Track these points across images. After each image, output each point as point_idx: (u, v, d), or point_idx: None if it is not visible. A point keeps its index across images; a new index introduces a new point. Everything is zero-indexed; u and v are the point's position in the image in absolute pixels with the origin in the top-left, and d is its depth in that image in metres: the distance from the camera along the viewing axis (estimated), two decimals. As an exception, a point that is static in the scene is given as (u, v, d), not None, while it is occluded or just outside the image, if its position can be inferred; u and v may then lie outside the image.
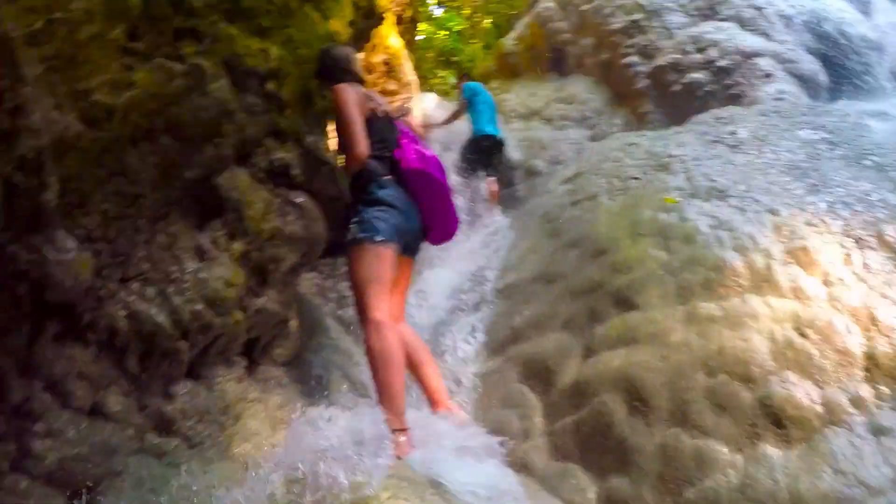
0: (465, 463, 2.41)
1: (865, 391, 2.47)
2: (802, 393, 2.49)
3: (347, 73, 3.06)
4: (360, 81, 3.11)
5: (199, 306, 2.43)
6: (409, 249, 2.95)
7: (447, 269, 4.47)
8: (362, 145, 2.85)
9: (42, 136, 1.88)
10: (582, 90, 7.42)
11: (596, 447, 2.69)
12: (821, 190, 3.28)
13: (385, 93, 6.17)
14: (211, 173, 2.52)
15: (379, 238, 2.72)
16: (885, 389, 2.47)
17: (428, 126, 6.41)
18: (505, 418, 2.96)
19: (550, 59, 8.25)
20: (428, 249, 3.58)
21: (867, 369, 2.53)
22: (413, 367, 2.81)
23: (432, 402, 2.77)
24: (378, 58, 6.62)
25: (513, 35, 8.96)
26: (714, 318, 2.77)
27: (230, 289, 2.54)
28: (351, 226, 2.77)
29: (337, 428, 2.40)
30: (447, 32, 12.37)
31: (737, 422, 2.50)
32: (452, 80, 10.30)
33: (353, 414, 2.57)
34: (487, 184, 6.07)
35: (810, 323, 2.64)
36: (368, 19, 3.82)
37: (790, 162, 3.66)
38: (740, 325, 2.71)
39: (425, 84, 9.00)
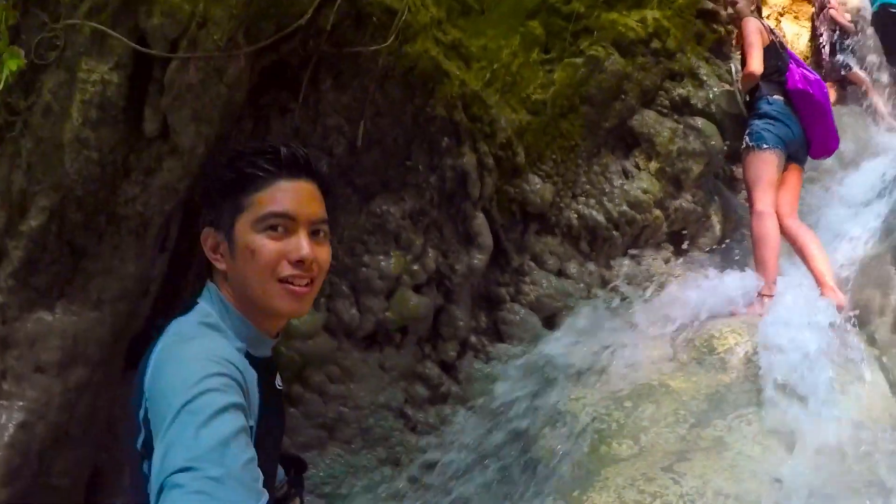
0: (810, 326, 3.30)
1: None
2: None
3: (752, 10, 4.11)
4: (760, 15, 4.10)
5: (625, 208, 4.01)
6: (794, 158, 3.86)
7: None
8: (756, 64, 3.89)
9: (508, 128, 3.84)
10: None
11: None
12: None
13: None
14: (624, 120, 4.05)
15: (765, 146, 3.78)
16: None
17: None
18: (871, 297, 3.41)
19: None
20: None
21: None
22: (803, 256, 3.69)
23: (819, 285, 3.58)
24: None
25: None
26: None
27: (647, 195, 4.01)
28: (745, 136, 3.88)
29: (724, 285, 3.69)
30: None
31: None
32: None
33: (741, 277, 3.74)
34: None
35: None
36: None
37: None
38: None
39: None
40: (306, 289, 1.49)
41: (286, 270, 1.45)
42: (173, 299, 2.80)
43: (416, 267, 3.46)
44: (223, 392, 1.26)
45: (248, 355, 1.48)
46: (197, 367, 1.29)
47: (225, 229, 1.48)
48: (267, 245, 1.43)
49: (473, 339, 3.76)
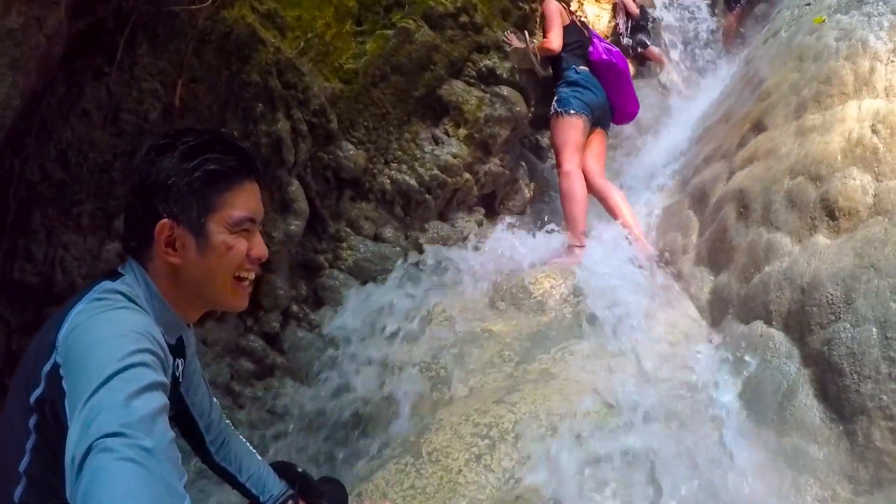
0: (619, 269, 3.83)
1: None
2: (858, 185, 3.03)
3: None
4: None
5: (436, 172, 4.38)
6: (599, 123, 4.46)
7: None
8: (554, 39, 4.41)
9: (321, 96, 4.05)
10: None
11: (717, 250, 3.66)
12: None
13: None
14: (434, 89, 4.41)
15: (572, 111, 4.30)
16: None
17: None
18: (674, 239, 4.06)
19: None
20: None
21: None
22: (612, 212, 4.26)
23: (627, 236, 4.15)
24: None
25: None
26: (814, 128, 3.36)
27: (456, 159, 4.41)
28: (553, 103, 4.38)
29: (534, 241, 4.17)
30: None
31: (801, 216, 3.20)
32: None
33: (550, 234, 4.25)
34: None
35: (885, 118, 3.06)
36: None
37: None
38: (830, 130, 3.26)
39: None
40: (251, 284, 1.72)
41: (246, 265, 1.66)
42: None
43: (232, 235, 3.60)
44: (153, 369, 1.35)
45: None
46: (130, 338, 1.37)
47: (192, 226, 1.58)
48: (240, 244, 1.62)
49: (295, 307, 3.97)
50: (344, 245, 4.18)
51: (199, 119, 3.42)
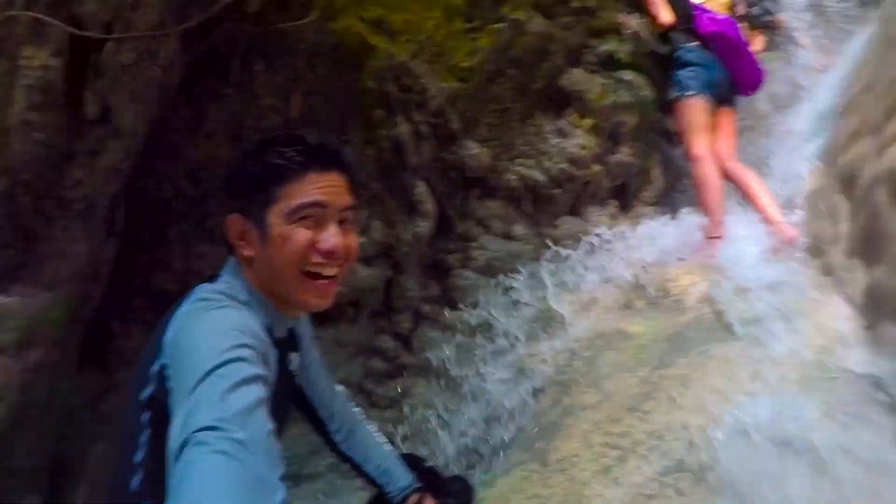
0: (763, 262, 3.59)
1: None
2: None
3: None
4: None
5: (564, 165, 4.29)
6: (723, 100, 4.22)
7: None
8: (664, 15, 4.24)
9: (439, 96, 4.10)
10: None
11: (870, 240, 3.29)
12: None
13: None
14: (553, 79, 4.34)
15: (691, 92, 4.09)
16: None
17: None
18: (821, 227, 3.71)
19: None
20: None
21: None
22: (748, 196, 4.01)
23: (768, 223, 3.89)
24: None
25: None
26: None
27: (584, 151, 4.30)
28: (670, 88, 4.20)
29: (671, 233, 3.99)
30: None
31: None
32: None
33: (687, 225, 4.06)
34: None
35: None
36: None
37: None
38: None
39: None
40: (331, 282, 1.65)
41: (315, 259, 1.58)
42: (122, 287, 3.03)
43: (362, 240, 3.69)
44: (251, 363, 1.37)
45: (269, 333, 1.63)
46: (228, 334, 1.41)
47: (255, 218, 1.61)
48: (299, 234, 1.56)
49: (426, 308, 4.01)
50: (474, 244, 4.18)
51: (319, 129, 3.55)
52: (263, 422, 1.28)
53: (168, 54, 2.66)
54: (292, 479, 3.48)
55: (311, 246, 1.58)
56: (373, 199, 3.79)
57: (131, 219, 2.99)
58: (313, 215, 1.58)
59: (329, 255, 1.59)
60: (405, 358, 3.86)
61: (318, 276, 1.61)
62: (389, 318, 3.85)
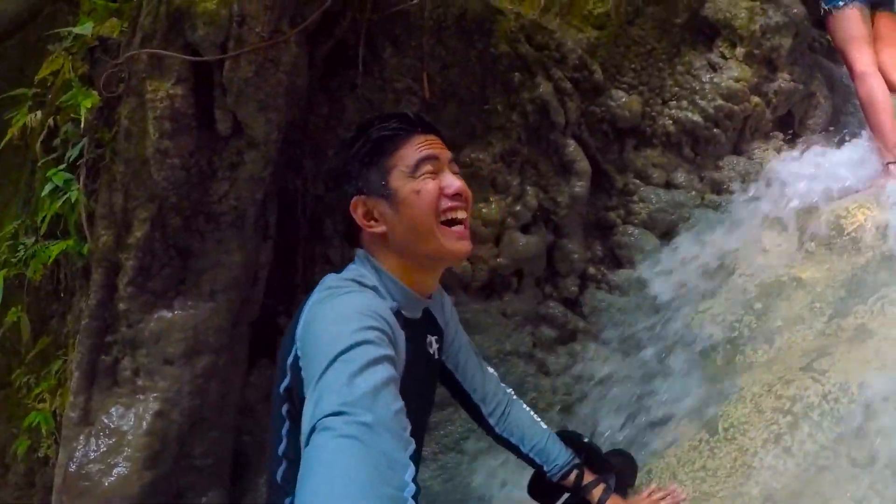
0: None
1: None
2: None
3: None
4: None
5: (721, 101, 4.03)
6: (879, 4, 3.88)
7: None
8: None
9: (577, 49, 3.94)
10: None
11: None
12: None
13: None
14: (696, 11, 4.08)
15: (841, 3, 3.74)
16: None
17: None
18: None
19: None
20: None
21: None
22: None
23: None
24: None
25: None
26: None
27: (740, 83, 4.02)
28: (819, 2, 3.89)
29: (842, 161, 3.69)
30: None
31: None
32: None
33: (859, 151, 3.75)
34: None
35: None
36: None
37: None
38: None
39: None
40: (465, 228, 1.78)
41: (446, 204, 1.73)
42: (284, 284, 3.18)
43: (518, 207, 3.64)
44: (377, 344, 1.42)
45: (399, 315, 1.70)
46: (353, 319, 1.48)
47: (378, 192, 1.73)
48: (428, 184, 1.70)
49: (592, 269, 3.90)
50: (635, 198, 4.01)
51: (460, 102, 3.53)
52: (391, 401, 1.29)
53: (290, 59, 2.71)
54: (465, 453, 3.43)
55: (439, 192, 1.71)
56: (524, 164, 3.71)
57: (286, 219, 3.11)
58: (431, 168, 1.72)
59: (457, 196, 1.73)
60: (574, 323, 3.78)
61: (453, 221, 1.74)
62: (555, 283, 3.77)
